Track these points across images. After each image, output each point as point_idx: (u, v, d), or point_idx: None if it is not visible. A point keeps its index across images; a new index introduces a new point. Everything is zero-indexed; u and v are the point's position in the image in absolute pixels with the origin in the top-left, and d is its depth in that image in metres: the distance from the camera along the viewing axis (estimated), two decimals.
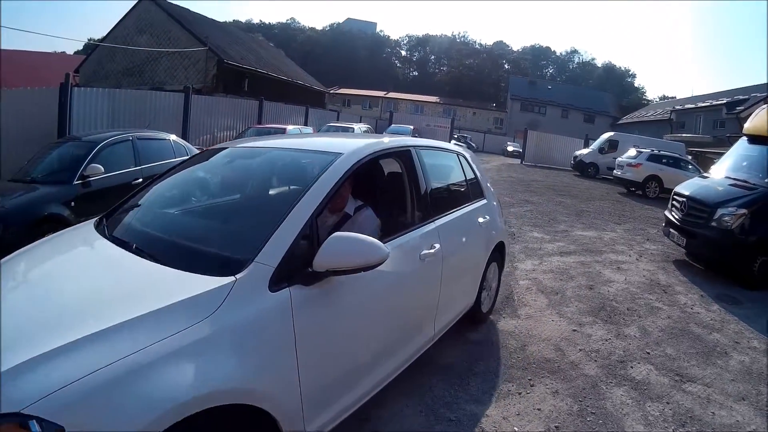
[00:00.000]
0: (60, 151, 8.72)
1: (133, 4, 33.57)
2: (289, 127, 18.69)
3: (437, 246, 4.02)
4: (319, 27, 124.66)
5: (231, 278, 2.41)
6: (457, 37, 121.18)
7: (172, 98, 17.86)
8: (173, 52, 30.59)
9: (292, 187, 3.47)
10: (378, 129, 33.69)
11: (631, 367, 4.99)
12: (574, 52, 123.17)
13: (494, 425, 3.88)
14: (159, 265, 2.65)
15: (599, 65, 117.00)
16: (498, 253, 5.81)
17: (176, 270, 2.55)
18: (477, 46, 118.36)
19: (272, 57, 42.39)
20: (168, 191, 3.98)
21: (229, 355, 2.21)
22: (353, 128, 25.05)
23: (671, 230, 9.77)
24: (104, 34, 36.12)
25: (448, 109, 74.97)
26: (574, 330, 5.87)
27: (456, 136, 42.96)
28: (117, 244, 3.05)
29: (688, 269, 9.24)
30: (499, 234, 5.75)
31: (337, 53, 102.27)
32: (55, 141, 10.12)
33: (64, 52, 52.76)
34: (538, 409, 4.13)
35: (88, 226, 3.66)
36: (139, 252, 2.84)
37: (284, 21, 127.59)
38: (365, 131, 25.88)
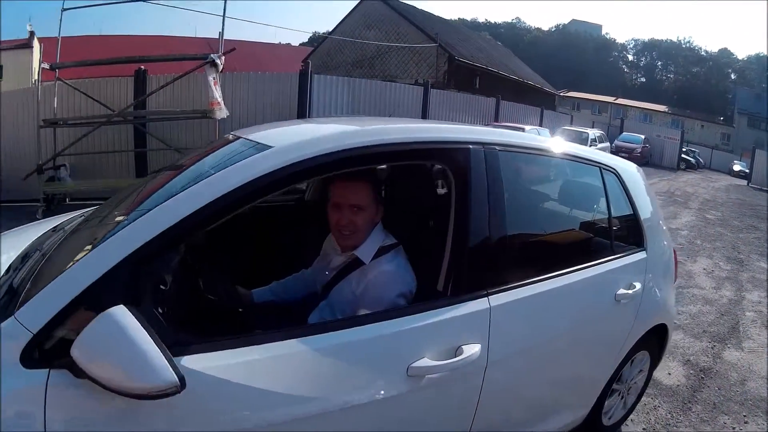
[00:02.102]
0: None
1: (357, 2, 34.73)
2: (527, 128, 18.22)
3: (475, 348, 2.19)
4: (545, 27, 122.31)
5: None
6: (682, 42, 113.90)
7: (411, 91, 18.11)
8: (403, 47, 30.83)
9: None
10: (609, 136, 31.16)
11: None
12: None
13: None
14: None
15: None
16: (654, 338, 3.65)
17: None
18: (702, 52, 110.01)
19: (501, 56, 42.01)
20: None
21: None
22: (587, 134, 23.59)
23: None
24: (330, 28, 38.34)
25: (676, 119, 69.64)
26: None
27: (684, 150, 40.19)
28: None
29: None
30: (660, 311, 3.59)
31: (563, 55, 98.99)
32: None
33: (289, 44, 56.02)
34: None
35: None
36: None
37: (510, 20, 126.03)
38: (599, 137, 24.59)
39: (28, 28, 30.87)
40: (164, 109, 12.01)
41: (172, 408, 1.60)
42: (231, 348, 1.78)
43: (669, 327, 3.76)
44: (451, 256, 2.29)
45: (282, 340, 1.89)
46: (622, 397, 3.71)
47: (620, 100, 74.83)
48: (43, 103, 11.43)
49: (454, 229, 2.31)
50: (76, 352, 1.49)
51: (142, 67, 12.54)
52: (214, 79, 10.61)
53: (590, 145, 20.84)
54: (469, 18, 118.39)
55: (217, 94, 10.58)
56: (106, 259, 1.67)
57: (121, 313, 1.52)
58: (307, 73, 13.50)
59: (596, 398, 3.29)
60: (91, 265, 1.67)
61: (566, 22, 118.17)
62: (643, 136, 32.79)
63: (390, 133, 2.42)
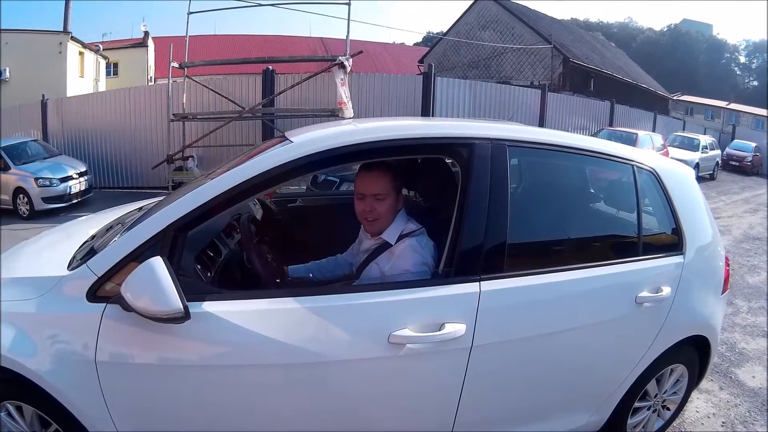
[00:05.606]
0: None
1: (471, 3, 34.29)
2: (641, 133, 17.71)
3: (458, 327, 2.24)
4: (657, 28, 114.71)
5: (65, 273, 2.31)
6: None
7: (530, 94, 17.96)
8: (518, 48, 30.33)
9: None
10: (721, 143, 29.16)
11: None
12: None
13: None
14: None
15: None
16: (693, 352, 3.27)
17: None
18: None
19: (615, 57, 40.70)
20: None
21: (15, 332, 2.19)
22: (698, 140, 22.39)
23: None
24: (444, 29, 38.26)
25: None
26: None
27: None
28: None
29: None
30: (697, 322, 3.17)
31: (675, 56, 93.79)
32: None
33: (403, 44, 56.69)
34: None
35: None
36: None
37: (622, 20, 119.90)
38: (710, 144, 23.22)
39: (142, 29, 32.76)
40: (293, 107, 12.67)
41: (183, 336, 2.08)
42: (241, 299, 2.21)
43: (711, 341, 3.28)
44: (450, 241, 2.36)
45: (281, 297, 2.26)
46: (656, 412, 3.33)
47: (733, 105, 70.08)
48: (173, 99, 12.67)
49: (455, 217, 2.38)
50: (124, 287, 1.97)
51: (270, 67, 13.41)
52: (342, 80, 11.05)
53: (702, 153, 20.78)
54: (581, 18, 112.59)
55: (345, 94, 11.00)
56: (148, 229, 2.17)
57: (156, 261, 1.97)
58: (430, 75, 13.73)
59: (612, 408, 3.02)
60: (139, 233, 2.18)
61: (677, 22, 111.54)
62: (754, 144, 29.99)
63: (438, 129, 2.74)
